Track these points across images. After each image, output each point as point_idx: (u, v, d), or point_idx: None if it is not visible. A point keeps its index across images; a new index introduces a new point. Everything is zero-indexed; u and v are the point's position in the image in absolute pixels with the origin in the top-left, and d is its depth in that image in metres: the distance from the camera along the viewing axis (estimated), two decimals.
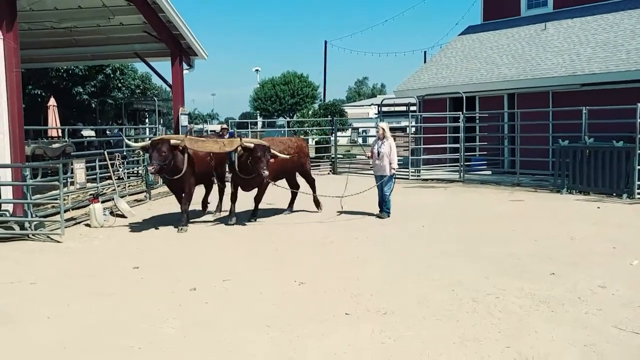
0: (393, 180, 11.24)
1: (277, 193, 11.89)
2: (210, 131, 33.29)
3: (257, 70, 66.73)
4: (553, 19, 20.65)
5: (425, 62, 33.13)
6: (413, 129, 20.10)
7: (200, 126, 47.61)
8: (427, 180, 17.79)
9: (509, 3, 22.47)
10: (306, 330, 5.23)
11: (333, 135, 22.82)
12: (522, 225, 10.22)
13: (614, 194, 13.15)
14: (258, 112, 52.20)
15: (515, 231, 9.70)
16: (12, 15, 10.01)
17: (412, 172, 18.45)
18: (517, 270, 7.18)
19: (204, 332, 5.24)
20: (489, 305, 5.81)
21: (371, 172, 12.03)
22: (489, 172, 18.36)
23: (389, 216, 11.13)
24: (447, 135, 18.89)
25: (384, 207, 11.22)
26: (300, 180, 12.23)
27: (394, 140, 11.58)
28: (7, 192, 10.11)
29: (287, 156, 10.96)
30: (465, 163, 17.67)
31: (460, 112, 17.89)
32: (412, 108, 21.67)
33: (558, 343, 4.85)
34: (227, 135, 16.64)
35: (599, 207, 11.97)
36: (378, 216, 11.16)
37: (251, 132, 24.03)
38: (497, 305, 5.83)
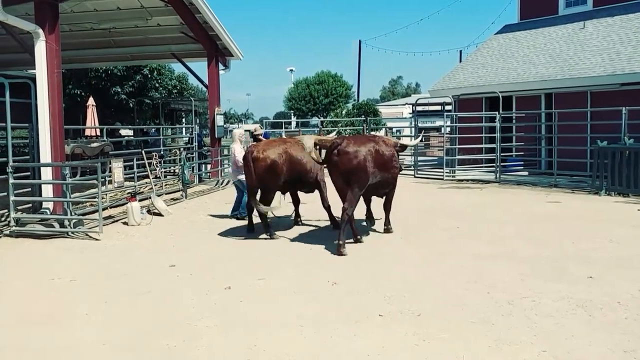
0: None
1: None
2: (245, 130, 33.45)
3: (291, 70, 67.10)
4: (592, 17, 20.24)
5: (460, 61, 32.75)
6: (448, 129, 19.96)
7: (235, 125, 47.97)
8: (462, 180, 17.62)
9: (547, 1, 22.10)
10: (339, 330, 5.24)
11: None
12: (559, 227, 10.05)
13: None
14: (292, 111, 52.35)
15: (552, 233, 9.54)
16: (55, 17, 10.20)
17: (447, 172, 18.32)
18: (554, 272, 7.07)
19: (238, 330, 5.29)
20: (525, 308, 5.73)
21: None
22: (526, 173, 18.09)
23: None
24: (483, 135, 18.70)
25: (240, 209, 11.19)
26: None
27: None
28: (48, 191, 10.35)
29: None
30: (501, 164, 17.45)
31: (497, 112, 17.68)
32: (447, 108, 21.43)
33: (596, 348, 4.76)
34: (262, 136, 16.68)
35: (639, 210, 11.70)
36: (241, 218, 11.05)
37: (285, 132, 24.12)
38: (533, 308, 5.75)
